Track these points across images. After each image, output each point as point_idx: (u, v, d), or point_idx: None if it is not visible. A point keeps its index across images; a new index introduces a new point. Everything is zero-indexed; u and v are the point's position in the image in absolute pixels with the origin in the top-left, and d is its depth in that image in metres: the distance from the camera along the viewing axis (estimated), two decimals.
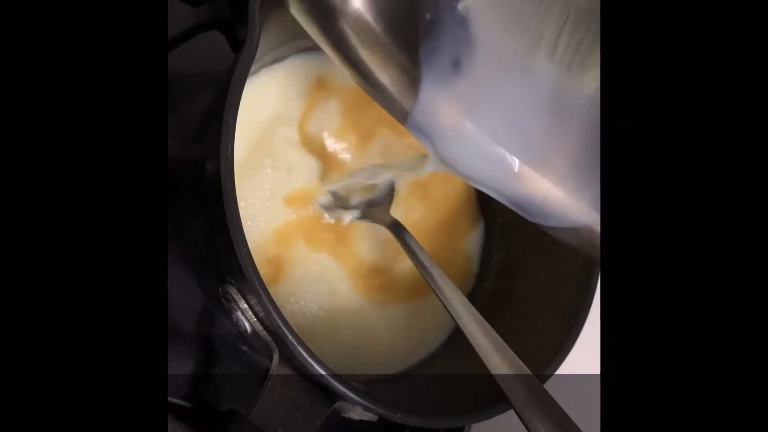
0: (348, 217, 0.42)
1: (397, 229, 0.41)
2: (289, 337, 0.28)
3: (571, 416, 0.32)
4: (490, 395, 0.34)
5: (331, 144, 0.43)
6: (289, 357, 0.30)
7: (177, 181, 0.41)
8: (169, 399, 0.41)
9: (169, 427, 0.39)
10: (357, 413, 0.32)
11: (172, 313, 0.43)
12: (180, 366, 0.42)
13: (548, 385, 0.35)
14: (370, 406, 0.30)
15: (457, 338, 0.43)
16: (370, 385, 0.38)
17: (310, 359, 0.28)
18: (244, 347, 0.40)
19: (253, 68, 0.40)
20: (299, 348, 0.28)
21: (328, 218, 0.42)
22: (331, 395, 0.30)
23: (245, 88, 0.31)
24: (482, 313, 0.37)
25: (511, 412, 0.33)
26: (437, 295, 0.37)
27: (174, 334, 0.43)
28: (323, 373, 0.29)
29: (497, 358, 0.34)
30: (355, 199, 0.43)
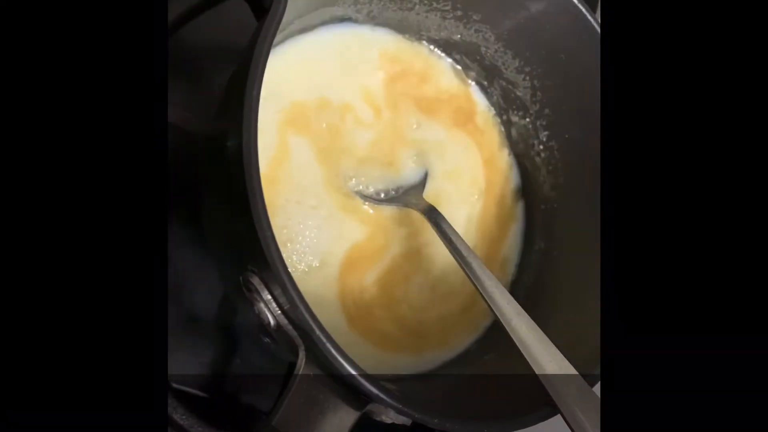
0: (381, 203, 0.40)
1: (432, 214, 0.38)
2: (317, 332, 0.26)
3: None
4: (529, 398, 0.32)
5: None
6: (316, 354, 0.27)
7: (198, 161, 0.39)
8: (185, 389, 0.40)
9: (182, 420, 0.37)
10: (390, 416, 0.29)
11: (191, 301, 0.41)
12: (198, 356, 0.41)
13: None
14: (407, 410, 0.27)
15: (491, 336, 0.40)
16: (400, 385, 0.35)
17: (340, 358, 0.26)
18: (267, 339, 0.38)
19: (277, 38, 0.37)
20: (328, 345, 0.26)
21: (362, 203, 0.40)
22: (363, 397, 0.27)
23: (269, 58, 0.28)
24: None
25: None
26: (475, 286, 0.34)
27: (193, 323, 0.41)
28: (355, 374, 0.26)
29: (542, 354, 0.32)
30: (386, 184, 0.41)
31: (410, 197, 0.40)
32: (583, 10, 0.37)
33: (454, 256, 0.35)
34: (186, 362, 0.40)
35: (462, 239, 0.36)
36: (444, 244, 0.36)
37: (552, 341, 0.33)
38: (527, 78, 0.42)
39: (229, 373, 0.41)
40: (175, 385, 0.39)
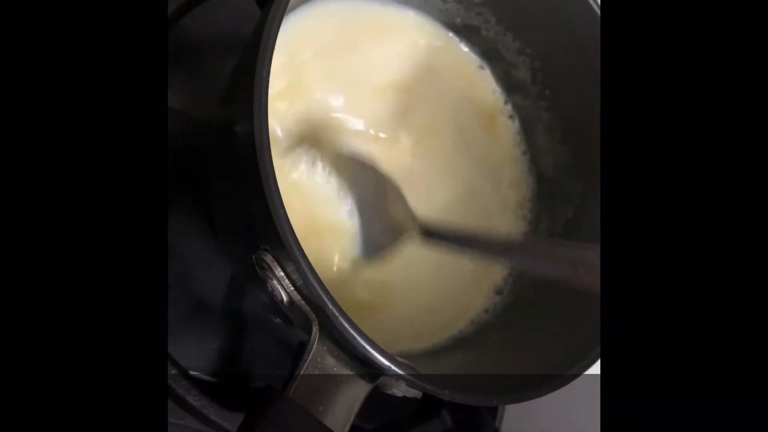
0: None
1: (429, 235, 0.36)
2: (330, 307, 0.26)
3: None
4: (539, 372, 0.32)
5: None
6: (329, 329, 0.28)
7: (203, 146, 0.39)
8: (196, 374, 0.40)
9: (192, 399, 0.38)
10: (401, 389, 0.30)
11: (198, 285, 0.42)
12: (207, 340, 0.41)
13: None
14: (418, 382, 0.27)
15: (500, 310, 0.41)
16: (412, 360, 0.36)
17: (353, 332, 0.26)
18: (277, 320, 0.38)
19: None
20: (341, 319, 0.26)
21: None
22: (375, 370, 0.28)
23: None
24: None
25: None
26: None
27: (201, 308, 0.42)
28: (368, 347, 0.26)
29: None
30: None
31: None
32: None
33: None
34: (196, 348, 0.41)
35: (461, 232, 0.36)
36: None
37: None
38: (527, 60, 0.42)
39: (239, 358, 0.42)
40: (192, 373, 0.39)
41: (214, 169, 0.37)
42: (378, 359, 0.27)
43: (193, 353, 0.40)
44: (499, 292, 0.41)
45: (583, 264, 0.27)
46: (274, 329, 0.42)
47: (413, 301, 0.39)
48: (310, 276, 0.26)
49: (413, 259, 0.39)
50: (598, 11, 0.37)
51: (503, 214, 0.43)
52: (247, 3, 0.42)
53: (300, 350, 0.34)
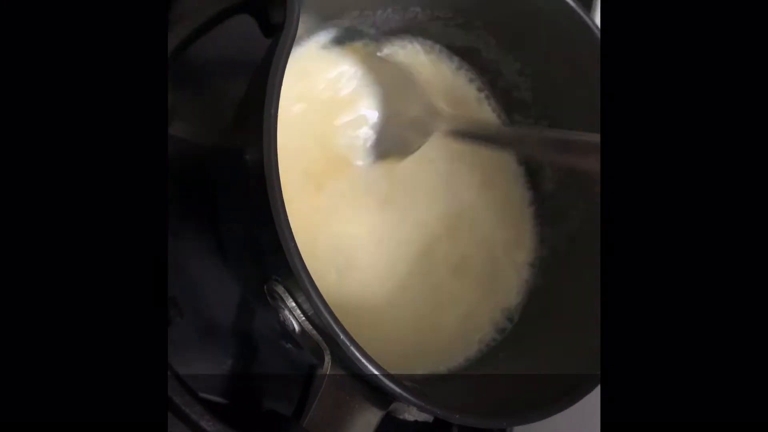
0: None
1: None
2: (342, 337, 0.27)
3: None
4: (546, 393, 0.33)
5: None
6: (340, 357, 0.28)
7: (212, 172, 0.40)
8: (205, 396, 0.40)
9: (206, 424, 0.38)
10: (412, 414, 0.30)
11: (209, 308, 0.42)
12: (217, 363, 0.42)
13: None
14: (430, 407, 0.28)
15: (507, 332, 0.41)
16: (422, 384, 0.36)
17: (365, 361, 0.27)
18: (288, 345, 0.39)
19: None
20: (352, 349, 0.27)
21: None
22: (387, 397, 0.29)
23: None
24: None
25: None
26: None
27: (211, 330, 0.42)
28: (380, 375, 0.27)
29: None
30: None
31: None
32: (581, 12, 0.38)
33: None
34: (207, 370, 0.41)
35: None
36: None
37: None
38: (528, 80, 0.43)
39: (250, 379, 0.42)
40: (201, 395, 0.40)
41: (223, 197, 0.38)
42: (391, 387, 0.27)
43: (203, 374, 0.41)
44: (506, 313, 0.42)
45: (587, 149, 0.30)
46: (285, 351, 0.42)
47: (423, 324, 0.40)
48: (321, 307, 0.26)
49: (423, 283, 0.40)
50: (597, 33, 0.38)
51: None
52: (251, 29, 0.43)
53: (311, 373, 0.35)
